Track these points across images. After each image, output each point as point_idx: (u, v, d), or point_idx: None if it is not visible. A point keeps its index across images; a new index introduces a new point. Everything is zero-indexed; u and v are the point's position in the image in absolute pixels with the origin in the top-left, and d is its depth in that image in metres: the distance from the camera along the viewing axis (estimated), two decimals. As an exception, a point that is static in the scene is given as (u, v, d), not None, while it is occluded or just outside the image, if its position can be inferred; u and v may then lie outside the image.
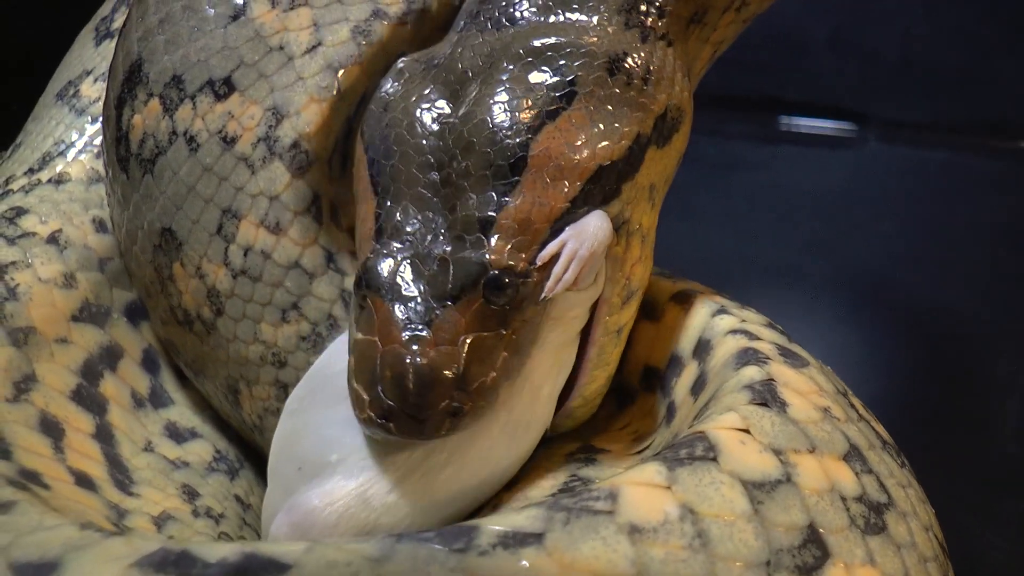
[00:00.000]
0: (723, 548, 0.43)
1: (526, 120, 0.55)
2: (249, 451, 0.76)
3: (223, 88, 0.66)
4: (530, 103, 0.56)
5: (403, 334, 0.52)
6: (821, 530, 0.46)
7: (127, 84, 0.68)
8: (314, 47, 0.67)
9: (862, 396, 1.19)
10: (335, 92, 0.67)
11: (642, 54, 0.60)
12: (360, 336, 0.54)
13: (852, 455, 0.51)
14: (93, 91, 0.81)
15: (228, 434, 0.75)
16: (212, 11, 0.67)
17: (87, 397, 0.68)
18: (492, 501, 0.58)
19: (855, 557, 0.46)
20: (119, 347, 0.73)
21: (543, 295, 0.54)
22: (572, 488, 0.57)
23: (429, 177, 0.56)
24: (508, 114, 0.56)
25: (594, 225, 0.55)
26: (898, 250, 1.36)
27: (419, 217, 0.55)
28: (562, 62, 0.57)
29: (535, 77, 0.57)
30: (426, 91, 0.59)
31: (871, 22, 1.43)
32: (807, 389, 0.54)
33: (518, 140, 0.55)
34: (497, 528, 0.41)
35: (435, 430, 0.52)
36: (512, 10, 0.62)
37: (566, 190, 0.55)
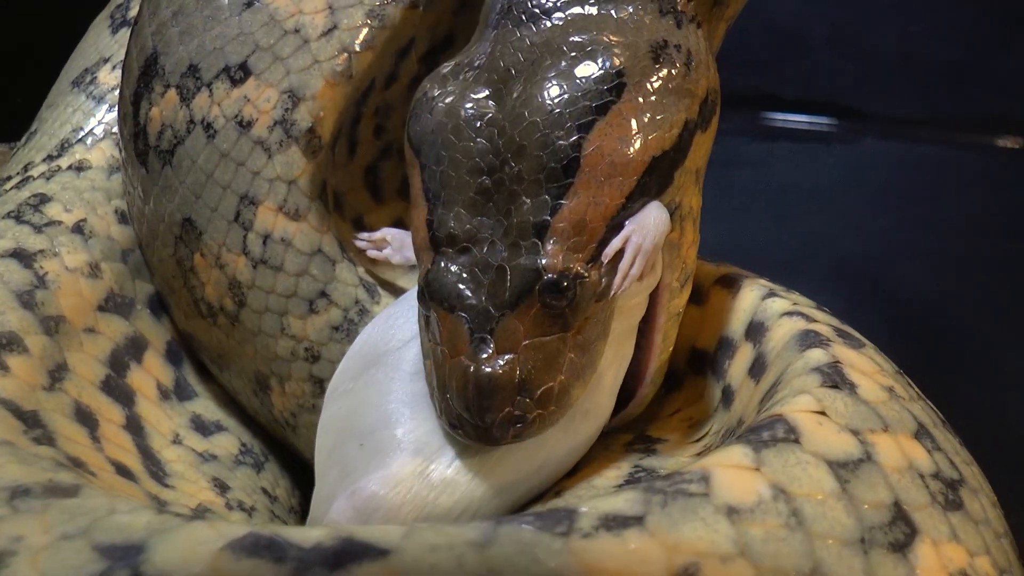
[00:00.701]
0: (819, 526, 0.43)
1: (576, 118, 0.55)
2: (273, 444, 0.75)
3: (239, 73, 0.65)
4: (579, 99, 0.55)
5: (467, 345, 0.53)
6: (906, 507, 0.46)
7: (143, 78, 0.68)
8: (330, 30, 0.66)
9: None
10: (349, 76, 0.66)
11: (681, 39, 0.59)
12: (431, 345, 0.55)
13: (921, 433, 0.51)
14: (111, 79, 0.80)
15: (252, 428, 0.74)
16: (226, 2, 0.67)
17: (116, 388, 0.67)
18: (554, 488, 0.57)
19: (941, 534, 0.46)
20: (143, 339, 0.71)
21: (612, 292, 0.54)
22: (639, 478, 0.56)
23: (480, 182, 0.55)
24: (557, 113, 0.55)
25: (654, 217, 0.55)
26: (896, 246, 1.37)
27: (473, 224, 0.55)
28: (607, 54, 0.56)
29: (581, 71, 0.56)
30: (470, 92, 0.57)
31: (868, 19, 1.44)
32: (870, 369, 0.54)
33: (570, 140, 0.54)
34: (596, 511, 0.41)
35: (500, 437, 0.53)
36: (545, 2, 0.60)
37: (622, 187, 0.55)
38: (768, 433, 0.47)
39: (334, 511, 0.54)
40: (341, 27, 0.66)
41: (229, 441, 0.72)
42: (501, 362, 0.53)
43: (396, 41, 0.69)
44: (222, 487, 0.68)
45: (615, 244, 0.54)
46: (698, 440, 0.60)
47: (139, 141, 0.68)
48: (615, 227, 0.55)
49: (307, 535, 0.39)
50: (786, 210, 1.42)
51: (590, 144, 0.54)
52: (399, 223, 0.74)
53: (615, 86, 0.56)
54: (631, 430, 0.62)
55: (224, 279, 0.66)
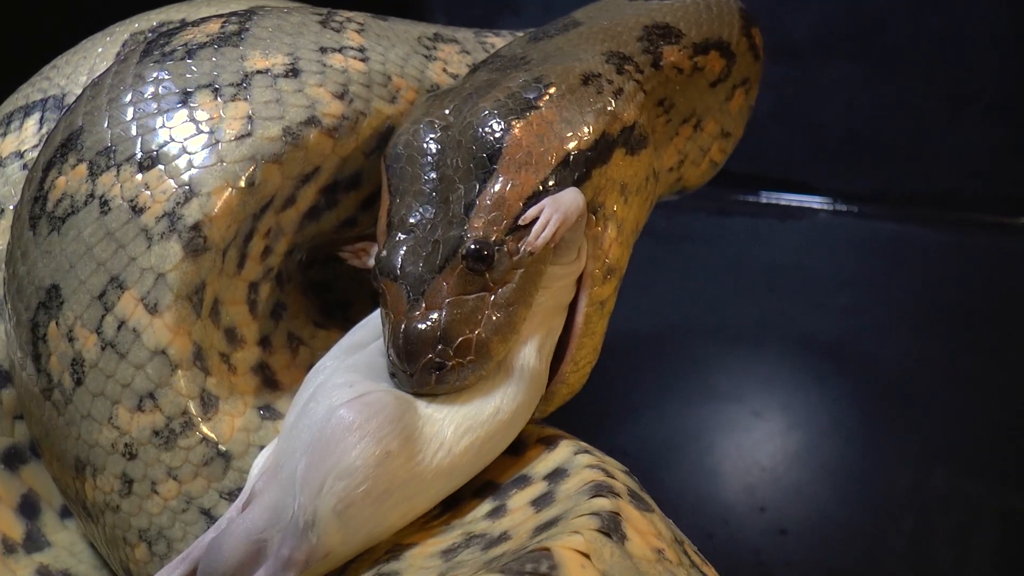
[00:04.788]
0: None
1: (503, 117, 0.65)
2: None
3: (147, 160, 0.67)
4: (507, 103, 0.66)
5: (406, 306, 0.62)
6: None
7: (61, 149, 0.70)
8: (242, 136, 0.68)
9: (822, 461, 1.20)
10: (251, 183, 0.68)
11: (616, 79, 0.71)
12: (383, 313, 0.65)
13: None
14: None
15: (104, 572, 0.74)
16: (158, 97, 0.70)
17: None
18: None
19: None
20: None
21: (524, 248, 0.63)
22: None
23: (429, 176, 0.66)
24: (491, 115, 0.66)
25: (569, 196, 0.64)
26: (853, 320, 1.38)
27: (420, 210, 0.65)
28: (542, 72, 0.68)
29: (516, 84, 0.67)
30: (433, 108, 0.69)
31: (813, 95, 1.44)
32: (646, 530, 0.56)
33: (496, 135, 0.65)
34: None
35: (423, 383, 0.61)
36: (513, 58, 0.73)
37: (537, 172, 0.65)
38: (531, 566, 0.49)
39: (341, 409, 0.59)
40: (255, 135, 0.68)
41: (73, 589, 0.72)
42: (426, 316, 0.61)
43: (303, 164, 0.70)
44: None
45: (532, 212, 0.63)
46: (444, 541, 0.61)
47: (36, 205, 0.70)
48: (532, 204, 0.64)
49: None
50: (744, 285, 1.43)
51: (511, 137, 0.65)
52: (264, 340, 0.75)
53: (540, 95, 0.67)
54: (391, 542, 0.62)
55: (70, 353, 0.66)
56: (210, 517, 0.65)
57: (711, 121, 0.84)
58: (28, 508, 0.74)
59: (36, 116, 0.84)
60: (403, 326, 0.61)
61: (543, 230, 0.63)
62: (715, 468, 1.23)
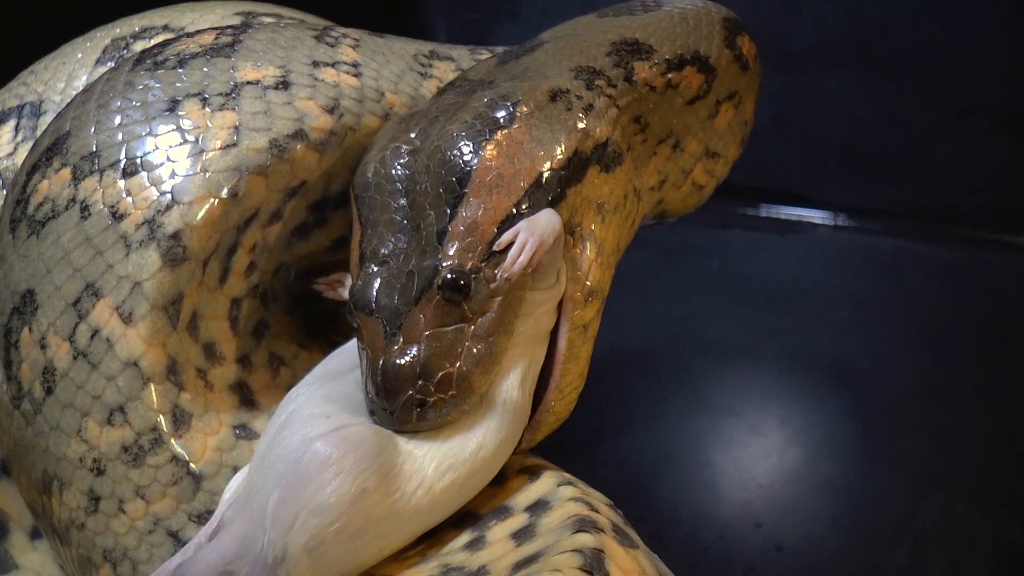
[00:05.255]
0: None
1: (471, 139, 0.63)
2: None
3: (131, 167, 0.67)
4: (475, 123, 0.64)
5: (383, 341, 0.60)
6: None
7: (47, 153, 0.70)
8: (228, 147, 0.67)
9: (819, 478, 1.18)
10: (235, 194, 0.67)
11: (585, 95, 0.69)
12: (360, 349, 0.63)
13: None
14: None
15: None
16: (146, 105, 0.69)
17: None
18: None
19: None
20: None
21: (501, 275, 0.61)
22: None
23: (399, 203, 0.64)
24: (458, 137, 0.63)
25: (544, 218, 0.62)
26: (853, 336, 1.37)
27: (393, 240, 0.63)
28: (508, 90, 0.66)
29: (482, 105, 0.65)
30: (399, 133, 0.67)
31: (813, 106, 1.43)
32: (630, 568, 0.55)
33: (464, 158, 0.63)
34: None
35: (404, 420, 0.59)
36: (480, 81, 0.71)
37: (509, 194, 0.62)
38: None
39: (317, 442, 0.57)
40: (240, 146, 0.67)
41: (37, 609, 0.71)
42: (405, 351, 0.60)
43: (289, 178, 0.70)
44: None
45: (507, 236, 0.61)
46: (420, 573, 0.59)
47: (18, 208, 0.69)
48: (507, 228, 0.62)
49: None
50: (743, 298, 1.42)
51: (481, 159, 0.63)
52: (244, 358, 0.74)
53: (508, 114, 0.65)
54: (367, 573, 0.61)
55: (42, 361, 0.65)
56: (177, 540, 0.63)
57: (692, 141, 0.81)
58: None
59: (11, 123, 0.84)
60: (381, 362, 0.60)
61: (519, 255, 0.61)
62: (711, 483, 1.22)
